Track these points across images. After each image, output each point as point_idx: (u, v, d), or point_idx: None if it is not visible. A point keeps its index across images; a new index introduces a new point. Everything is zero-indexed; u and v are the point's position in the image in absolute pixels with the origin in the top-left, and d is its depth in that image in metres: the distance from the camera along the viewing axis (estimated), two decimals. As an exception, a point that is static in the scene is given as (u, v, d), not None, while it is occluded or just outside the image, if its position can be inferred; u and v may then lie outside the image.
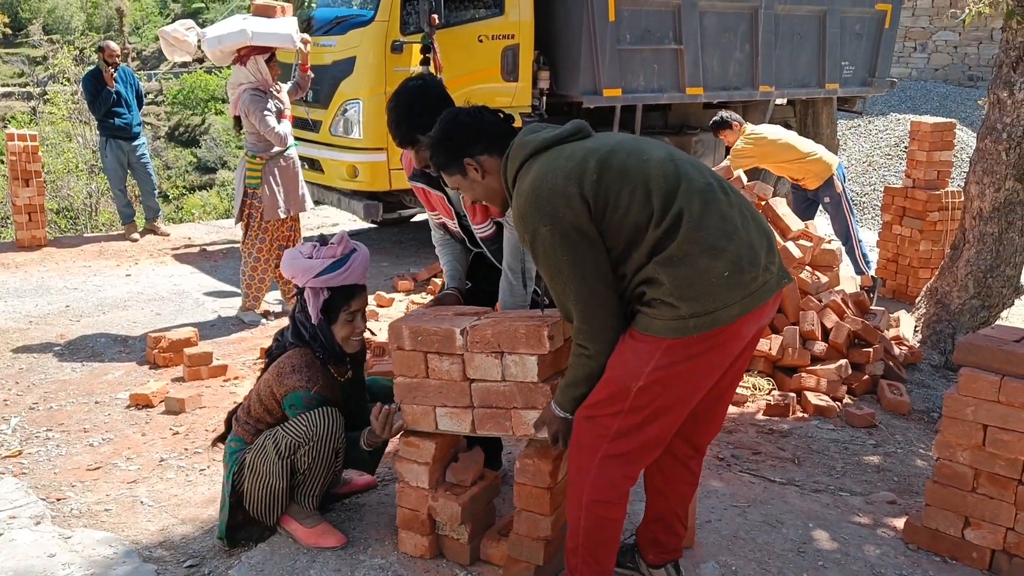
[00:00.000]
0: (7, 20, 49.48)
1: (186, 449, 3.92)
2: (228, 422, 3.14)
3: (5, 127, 25.41)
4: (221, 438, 3.19)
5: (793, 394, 4.50)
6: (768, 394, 4.55)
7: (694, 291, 2.15)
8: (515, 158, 2.37)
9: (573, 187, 2.20)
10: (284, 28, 5.44)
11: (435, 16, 6.37)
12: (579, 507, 2.40)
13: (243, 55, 5.36)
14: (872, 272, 6.83)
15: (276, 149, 5.52)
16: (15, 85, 41.40)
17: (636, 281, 2.23)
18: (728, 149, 7.77)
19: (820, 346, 4.71)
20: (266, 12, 5.57)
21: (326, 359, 2.98)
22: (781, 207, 5.15)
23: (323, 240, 3.01)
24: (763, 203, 5.14)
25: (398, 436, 2.87)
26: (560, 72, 7.41)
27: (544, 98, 7.43)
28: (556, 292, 2.31)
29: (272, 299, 6.16)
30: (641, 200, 2.19)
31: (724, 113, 6.76)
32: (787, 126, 9.66)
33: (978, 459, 2.88)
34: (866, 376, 4.73)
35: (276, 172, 5.56)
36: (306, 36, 5.79)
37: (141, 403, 4.41)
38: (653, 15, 7.54)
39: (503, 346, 2.57)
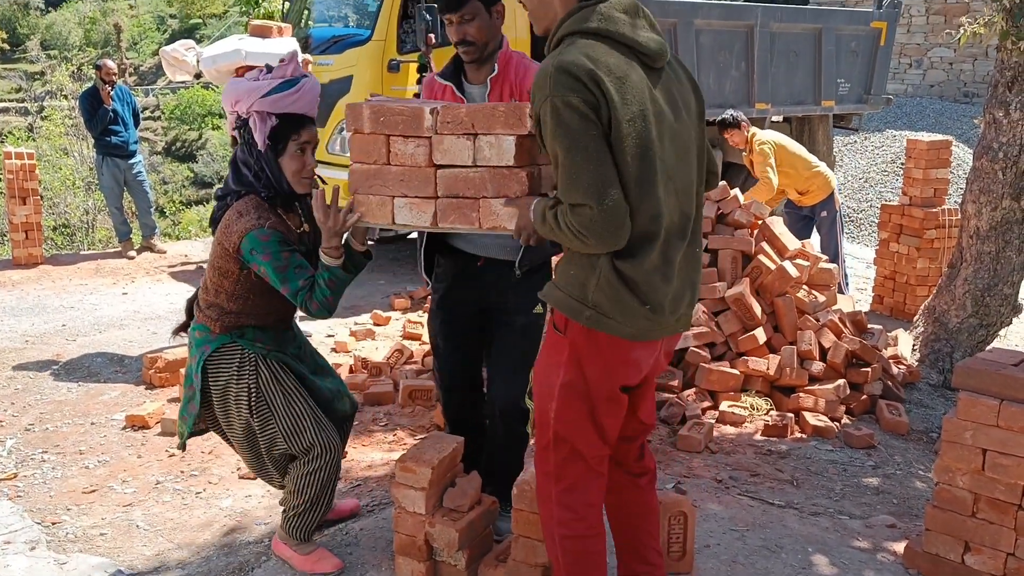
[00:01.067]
0: (5, 36, 49.61)
1: (182, 472, 3.90)
2: (189, 310, 2.95)
3: (2, 143, 25.42)
4: (183, 327, 3.00)
5: (791, 414, 4.48)
6: (766, 414, 4.54)
7: (610, 297, 2.13)
8: (586, 17, 2.10)
9: (612, 95, 2.01)
10: (279, 48, 5.44)
11: (432, 36, 6.38)
12: (555, 546, 2.37)
13: (240, 75, 5.36)
14: (850, 292, 6.90)
15: None
16: (12, 100, 41.51)
17: None
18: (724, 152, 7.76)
19: (818, 366, 4.70)
20: (262, 32, 5.58)
21: (274, 200, 2.72)
22: (778, 226, 5.15)
23: (270, 69, 2.75)
24: (760, 222, 5.14)
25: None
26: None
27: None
28: (568, 171, 2.03)
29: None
30: (642, 172, 2.07)
31: (731, 111, 6.79)
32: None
33: (978, 484, 2.87)
34: (864, 396, 4.72)
35: None
36: (307, 56, 5.80)
37: (137, 424, 4.39)
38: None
39: (478, 126, 2.34)
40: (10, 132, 24.81)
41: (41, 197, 8.18)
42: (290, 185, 2.68)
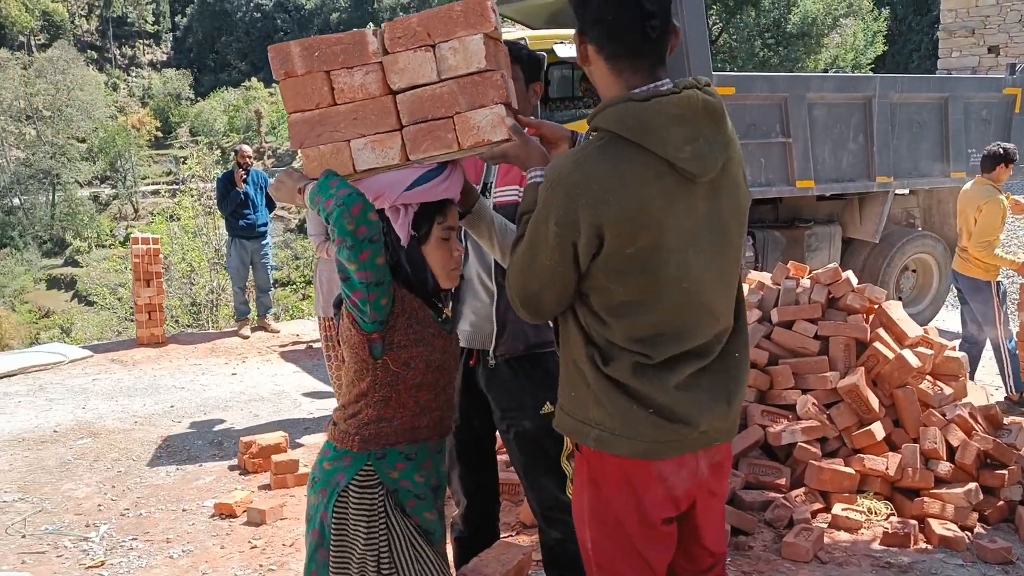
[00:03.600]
0: (159, 124, 53.79)
1: (261, 565, 3.84)
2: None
3: (151, 223, 27.27)
4: None
5: (914, 521, 4.05)
6: (886, 520, 4.12)
7: (610, 410, 1.88)
8: (623, 118, 1.82)
9: (610, 238, 1.80)
10: None
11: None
12: None
13: None
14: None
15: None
16: (163, 183, 44.67)
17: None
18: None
19: (945, 466, 4.26)
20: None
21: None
22: (897, 311, 4.77)
23: None
24: (876, 307, 4.77)
25: None
26: (662, 169, 7.27)
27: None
28: (519, 257, 1.93)
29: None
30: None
31: (1006, 144, 6.11)
32: (910, 216, 9.22)
33: None
34: (1001, 502, 4.22)
35: (331, 271, 5.60)
36: None
37: (224, 512, 4.38)
38: (757, 109, 7.34)
39: (435, 35, 2.03)
40: (157, 213, 26.63)
41: (167, 274, 8.56)
42: (435, 280, 2.29)
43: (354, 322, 2.17)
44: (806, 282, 4.92)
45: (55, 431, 5.78)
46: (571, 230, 1.81)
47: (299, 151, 2.19)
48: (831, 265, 4.99)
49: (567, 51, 6.50)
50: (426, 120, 2.06)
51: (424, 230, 2.25)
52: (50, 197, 49.27)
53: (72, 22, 71.02)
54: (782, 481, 4.25)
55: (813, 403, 4.44)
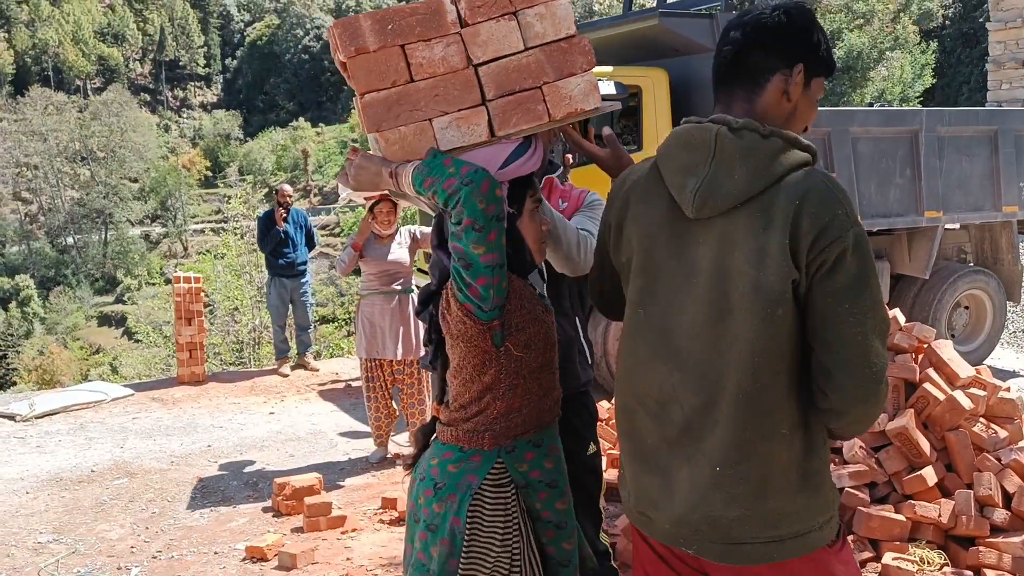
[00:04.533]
0: (209, 164, 55.02)
1: (289, 612, 3.77)
2: (426, 437, 2.28)
3: (197, 261, 27.77)
4: (416, 459, 2.28)
5: (969, 572, 3.86)
6: (939, 570, 3.92)
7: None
8: (689, 127, 1.72)
9: (613, 227, 1.87)
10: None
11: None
12: None
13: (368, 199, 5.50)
14: None
15: (367, 289, 5.57)
16: (212, 222, 45.54)
17: None
18: None
19: (1001, 514, 4.05)
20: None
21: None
22: (946, 351, 4.59)
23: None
24: (925, 346, 4.60)
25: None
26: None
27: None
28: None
29: (403, 440, 6.08)
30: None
31: None
32: (962, 251, 8.97)
33: None
34: (1062, 552, 4.01)
35: (373, 312, 5.59)
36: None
37: (256, 556, 4.33)
38: (800, 144, 7.22)
39: (517, 1, 1.92)
40: (203, 252, 27.12)
41: (210, 311, 8.61)
42: (532, 256, 2.21)
43: (469, 313, 2.03)
44: (851, 321, 4.76)
45: (93, 471, 5.80)
46: (604, 222, 1.93)
47: (376, 135, 2.03)
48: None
49: (604, 88, 6.46)
50: (513, 92, 1.96)
51: (518, 204, 2.17)
52: (103, 236, 50.60)
53: (126, 66, 73.34)
54: (828, 529, 4.08)
55: (860, 446, 4.28)
